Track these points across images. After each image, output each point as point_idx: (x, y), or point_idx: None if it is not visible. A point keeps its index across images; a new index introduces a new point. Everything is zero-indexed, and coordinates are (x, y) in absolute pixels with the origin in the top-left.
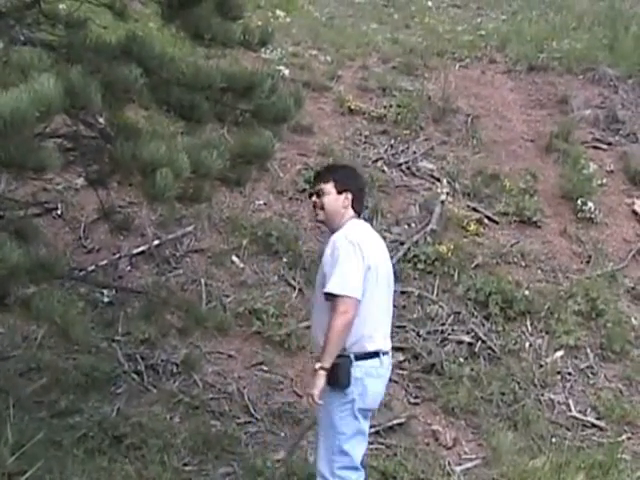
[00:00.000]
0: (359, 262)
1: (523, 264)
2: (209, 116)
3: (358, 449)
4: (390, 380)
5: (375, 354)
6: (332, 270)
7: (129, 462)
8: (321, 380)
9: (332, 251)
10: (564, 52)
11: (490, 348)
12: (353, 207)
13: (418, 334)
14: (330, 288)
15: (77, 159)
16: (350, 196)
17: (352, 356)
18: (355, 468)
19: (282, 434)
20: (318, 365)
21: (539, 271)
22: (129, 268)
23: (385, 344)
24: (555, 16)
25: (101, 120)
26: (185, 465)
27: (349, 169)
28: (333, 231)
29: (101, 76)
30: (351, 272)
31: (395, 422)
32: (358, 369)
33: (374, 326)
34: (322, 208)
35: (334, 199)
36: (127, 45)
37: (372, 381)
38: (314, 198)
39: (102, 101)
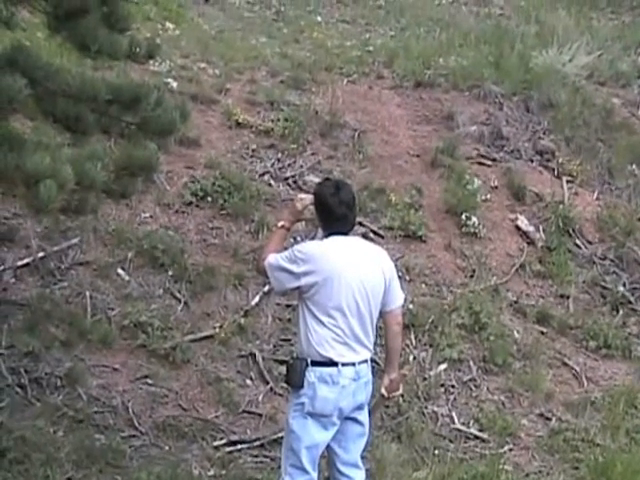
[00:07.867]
0: (287, 267)
1: (408, 278)
2: (95, 128)
3: (307, 453)
4: (275, 393)
5: (332, 363)
6: None
7: (12, 477)
8: None
9: None
10: (450, 69)
11: (374, 361)
12: (322, 225)
13: None
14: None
15: None
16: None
17: (309, 360)
18: (303, 470)
19: (166, 447)
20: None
21: (423, 285)
22: (13, 280)
23: (349, 355)
24: (442, 33)
25: None
26: (69, 479)
27: (321, 187)
28: None
29: None
30: (277, 264)
31: (280, 435)
32: (312, 373)
33: (329, 336)
34: None
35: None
36: (12, 55)
37: (324, 387)
38: None
39: None
